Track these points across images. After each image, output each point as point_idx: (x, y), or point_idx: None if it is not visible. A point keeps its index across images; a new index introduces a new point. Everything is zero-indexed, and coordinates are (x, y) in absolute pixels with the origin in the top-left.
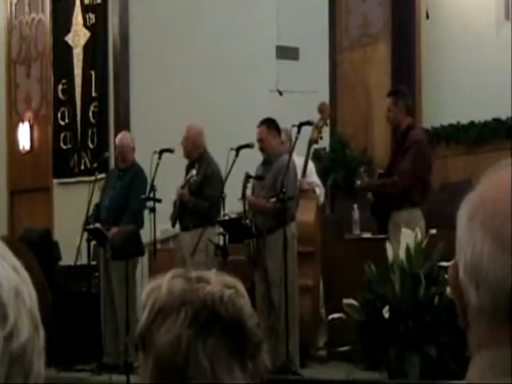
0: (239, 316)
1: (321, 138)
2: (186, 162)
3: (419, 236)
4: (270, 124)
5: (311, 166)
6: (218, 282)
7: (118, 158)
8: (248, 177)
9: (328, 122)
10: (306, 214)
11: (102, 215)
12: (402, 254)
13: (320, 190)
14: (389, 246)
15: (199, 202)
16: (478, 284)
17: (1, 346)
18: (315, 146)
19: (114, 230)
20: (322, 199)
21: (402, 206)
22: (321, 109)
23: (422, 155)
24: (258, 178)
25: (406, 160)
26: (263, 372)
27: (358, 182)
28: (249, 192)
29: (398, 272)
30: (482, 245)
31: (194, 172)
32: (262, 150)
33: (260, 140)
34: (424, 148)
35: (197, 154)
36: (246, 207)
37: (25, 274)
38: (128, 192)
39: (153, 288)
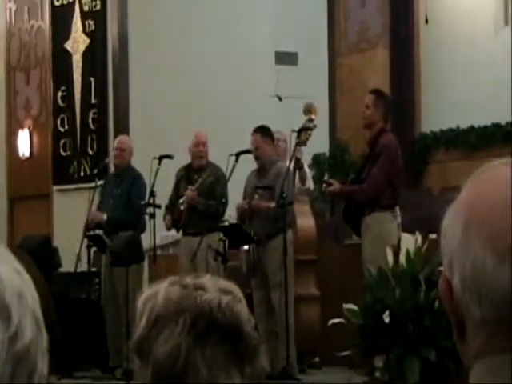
0: (236, 321)
1: (307, 139)
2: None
3: (419, 240)
4: (263, 132)
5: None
6: (214, 289)
7: (116, 158)
8: (256, 188)
9: (315, 124)
10: (304, 219)
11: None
12: (402, 258)
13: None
14: (388, 250)
15: (210, 202)
16: (480, 297)
17: (5, 347)
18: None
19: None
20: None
21: (373, 211)
22: (308, 109)
23: (391, 161)
24: (266, 188)
25: (376, 166)
26: (261, 375)
27: (324, 186)
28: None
29: (397, 276)
30: (483, 257)
31: (204, 176)
32: (256, 158)
33: (255, 148)
34: (393, 153)
35: (205, 160)
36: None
37: (27, 277)
38: (128, 198)
39: (149, 296)
